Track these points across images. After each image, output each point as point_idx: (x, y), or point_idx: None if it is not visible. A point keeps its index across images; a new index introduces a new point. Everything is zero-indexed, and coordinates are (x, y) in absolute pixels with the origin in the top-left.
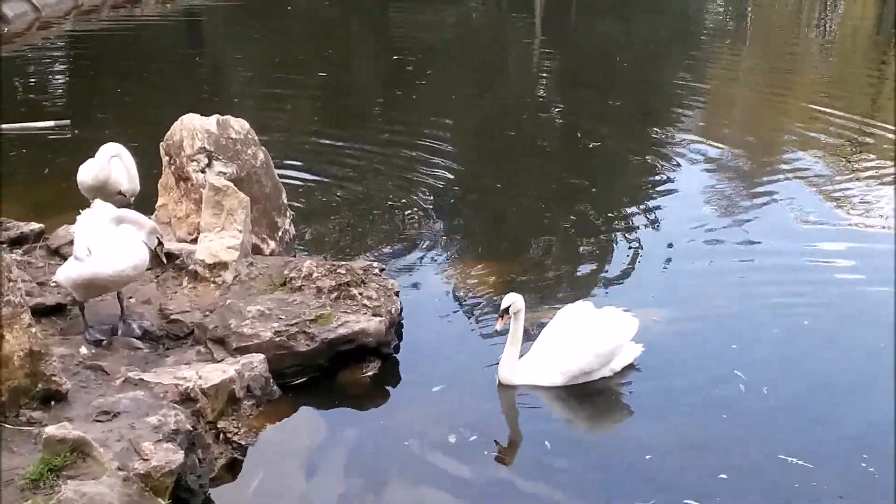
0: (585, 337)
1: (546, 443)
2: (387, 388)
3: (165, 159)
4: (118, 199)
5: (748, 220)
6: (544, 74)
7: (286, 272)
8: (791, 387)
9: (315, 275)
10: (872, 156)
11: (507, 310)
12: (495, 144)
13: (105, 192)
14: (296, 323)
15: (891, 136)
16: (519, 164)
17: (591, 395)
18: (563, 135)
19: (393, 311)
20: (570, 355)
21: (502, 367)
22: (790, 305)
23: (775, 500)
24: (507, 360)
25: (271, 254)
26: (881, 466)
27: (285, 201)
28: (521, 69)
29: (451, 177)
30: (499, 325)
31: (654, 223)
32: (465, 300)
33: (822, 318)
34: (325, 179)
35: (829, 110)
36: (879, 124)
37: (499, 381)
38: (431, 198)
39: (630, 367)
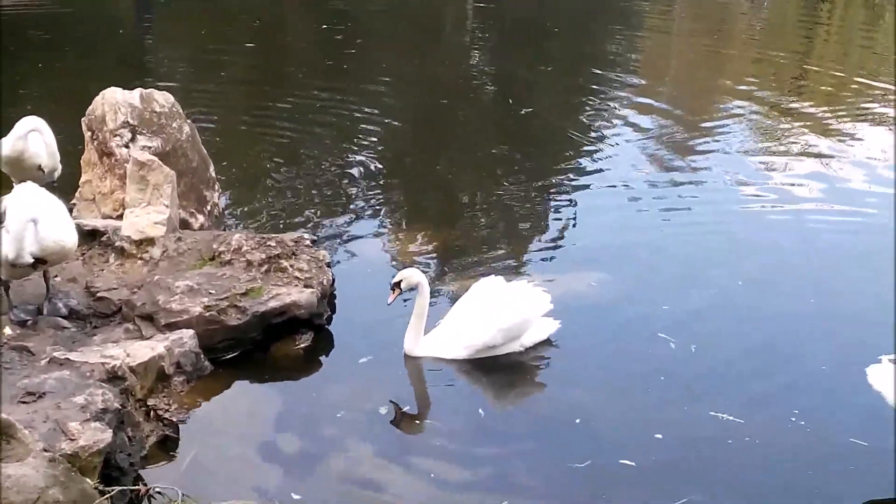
0: (491, 311)
1: (480, 411)
2: (320, 359)
3: (88, 135)
4: (38, 175)
5: (681, 184)
6: (476, 42)
7: (215, 246)
8: (721, 345)
9: (245, 248)
10: (801, 115)
11: (398, 284)
12: (427, 113)
13: (23, 166)
14: (226, 297)
15: (812, 101)
16: (451, 133)
17: (519, 366)
18: (494, 102)
19: (325, 282)
20: (475, 329)
21: (406, 339)
22: (721, 265)
23: (710, 457)
24: (410, 333)
25: (200, 228)
26: (811, 418)
27: (213, 174)
28: (452, 37)
29: (384, 147)
30: (389, 299)
31: (587, 188)
32: (398, 270)
33: (754, 278)
34: (256, 151)
35: (757, 78)
36: (805, 91)
37: (404, 353)
38: (364, 168)
39: (547, 343)
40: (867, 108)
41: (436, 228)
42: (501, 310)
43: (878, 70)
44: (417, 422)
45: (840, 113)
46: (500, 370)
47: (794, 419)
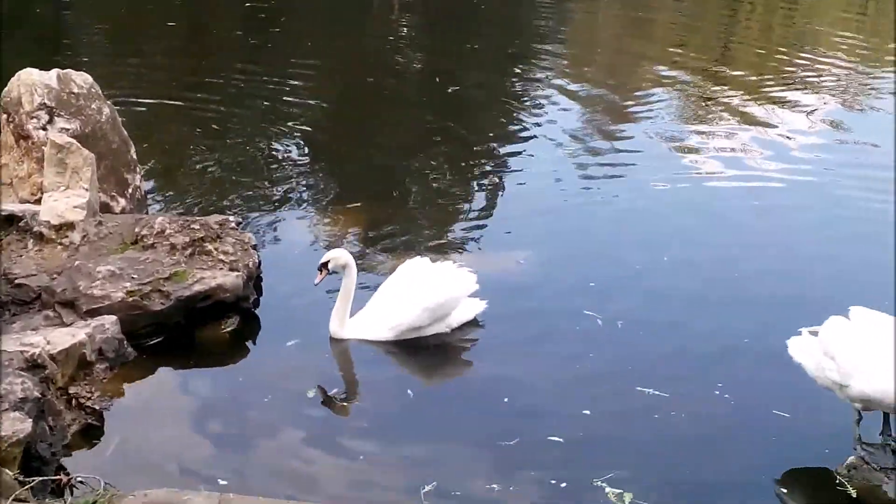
0: (416, 293)
1: (409, 391)
2: (247, 343)
3: (3, 117)
4: None
5: (609, 161)
6: (403, 19)
7: (137, 230)
8: (647, 320)
9: (168, 231)
10: (725, 93)
11: (325, 265)
12: (354, 91)
13: None
14: (149, 282)
15: (738, 72)
16: (379, 111)
17: (446, 346)
18: (421, 79)
19: (251, 265)
20: (400, 311)
21: (332, 322)
22: (648, 241)
23: (636, 432)
24: (336, 314)
25: (122, 212)
26: (734, 391)
27: (135, 157)
28: (378, 14)
29: (310, 126)
30: (317, 280)
31: (515, 166)
32: (326, 251)
33: (679, 253)
34: (180, 133)
35: (683, 49)
36: (731, 62)
37: (330, 336)
38: (291, 148)
39: (473, 323)
40: (791, 78)
41: (364, 208)
42: (427, 291)
43: (801, 40)
44: (345, 404)
45: (764, 84)
46: (428, 351)
47: (717, 392)
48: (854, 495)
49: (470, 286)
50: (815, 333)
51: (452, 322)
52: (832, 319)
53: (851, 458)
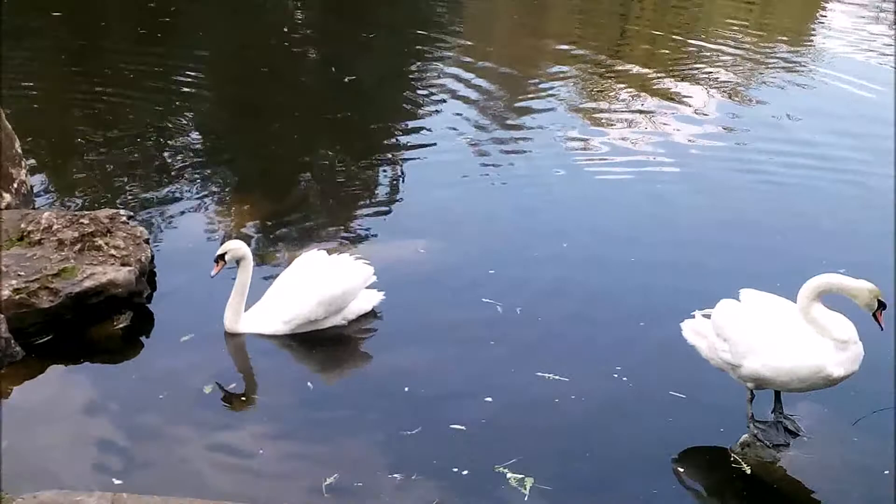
0: (311, 285)
1: (308, 384)
2: (141, 339)
3: None
4: None
5: (508, 149)
6: (297, 8)
7: (23, 226)
8: (546, 306)
9: (56, 226)
10: (621, 80)
11: (223, 256)
12: (249, 82)
13: None
14: (36, 279)
15: (633, 59)
16: (275, 101)
17: (344, 339)
18: (317, 69)
19: (143, 259)
20: (295, 304)
21: (227, 316)
22: (546, 228)
23: (538, 417)
24: (230, 308)
25: (7, 207)
26: (631, 374)
27: (20, 150)
28: (272, 3)
29: (203, 117)
30: (213, 272)
31: (415, 154)
32: (221, 243)
33: (578, 238)
34: (68, 126)
35: (580, 36)
36: (626, 48)
37: (224, 330)
38: (184, 139)
39: (372, 315)
40: (685, 64)
41: (261, 200)
42: (322, 283)
43: (693, 27)
44: (243, 399)
45: (659, 70)
46: (325, 343)
47: (616, 376)
48: (748, 472)
49: (367, 278)
50: (707, 316)
51: (349, 314)
52: (724, 302)
53: (745, 437)
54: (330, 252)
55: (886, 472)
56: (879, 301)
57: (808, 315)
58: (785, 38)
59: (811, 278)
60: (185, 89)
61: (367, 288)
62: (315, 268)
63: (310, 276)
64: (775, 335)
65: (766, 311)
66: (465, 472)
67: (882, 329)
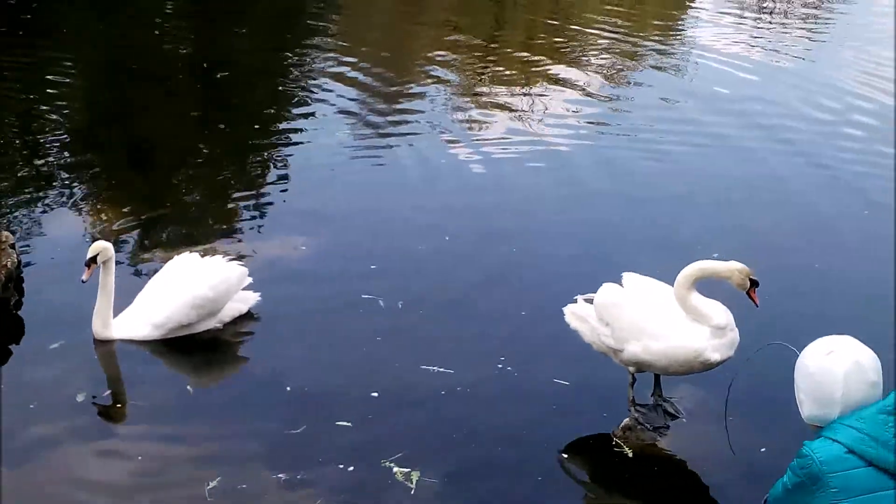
0: (183, 288)
1: (188, 388)
2: (9, 348)
3: None
4: None
5: (391, 140)
6: (167, 2)
7: None
8: (428, 299)
9: None
10: (500, 64)
11: (94, 259)
12: (118, 80)
13: None
14: None
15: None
16: (146, 99)
17: (221, 342)
18: (188, 66)
19: (9, 265)
20: (166, 308)
21: (94, 322)
22: (428, 221)
23: (424, 410)
24: (98, 314)
25: None
26: (516, 363)
27: None
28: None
29: (71, 117)
30: (84, 276)
31: (294, 150)
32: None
33: (458, 231)
34: None
35: (458, 23)
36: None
37: (94, 337)
38: (50, 140)
39: (249, 317)
40: (563, 47)
41: (134, 201)
42: (194, 287)
43: (570, 11)
44: (119, 405)
45: (536, 55)
46: (202, 347)
47: (500, 366)
48: (630, 455)
49: (241, 279)
50: (590, 301)
51: (225, 317)
52: (606, 286)
53: (627, 420)
54: (205, 253)
55: (763, 449)
56: (751, 279)
57: (685, 304)
58: (658, 23)
59: (685, 267)
60: (51, 89)
61: (244, 289)
62: (187, 270)
63: (182, 279)
64: (656, 320)
65: (648, 295)
66: (350, 469)
67: (757, 306)
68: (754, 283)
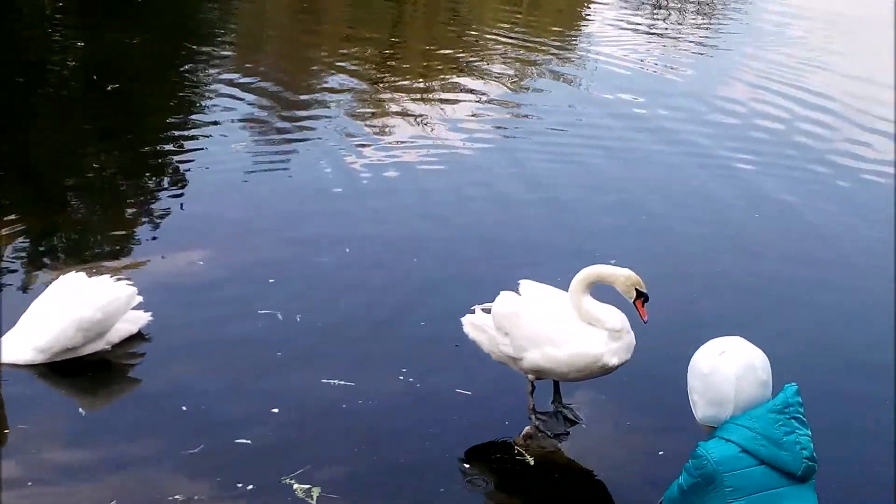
0: (68, 310)
1: (80, 410)
2: None
3: None
4: None
5: (289, 147)
6: (54, 13)
7: None
8: (327, 312)
9: None
10: (398, 73)
11: None
12: (3, 92)
13: None
14: None
15: (409, 54)
16: (34, 114)
17: (111, 365)
18: (77, 78)
19: None
20: (50, 331)
21: None
22: (331, 234)
23: (327, 423)
24: None
25: None
26: (417, 374)
27: None
28: (27, 7)
29: None
30: None
31: (190, 163)
32: None
33: (361, 241)
34: None
35: (355, 34)
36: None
37: None
38: None
39: (139, 337)
40: (462, 55)
41: (21, 217)
42: (80, 308)
43: (468, 20)
44: (6, 431)
45: (435, 64)
46: (91, 370)
47: (402, 377)
48: (531, 463)
49: (130, 299)
50: (487, 310)
51: (113, 338)
52: (503, 295)
53: (527, 428)
54: (94, 271)
55: (661, 452)
56: (639, 291)
57: (580, 309)
58: (556, 30)
59: (579, 272)
60: None
61: (133, 308)
62: (73, 291)
63: (67, 300)
64: (554, 327)
65: (545, 302)
66: (249, 487)
67: (645, 322)
68: (641, 296)
